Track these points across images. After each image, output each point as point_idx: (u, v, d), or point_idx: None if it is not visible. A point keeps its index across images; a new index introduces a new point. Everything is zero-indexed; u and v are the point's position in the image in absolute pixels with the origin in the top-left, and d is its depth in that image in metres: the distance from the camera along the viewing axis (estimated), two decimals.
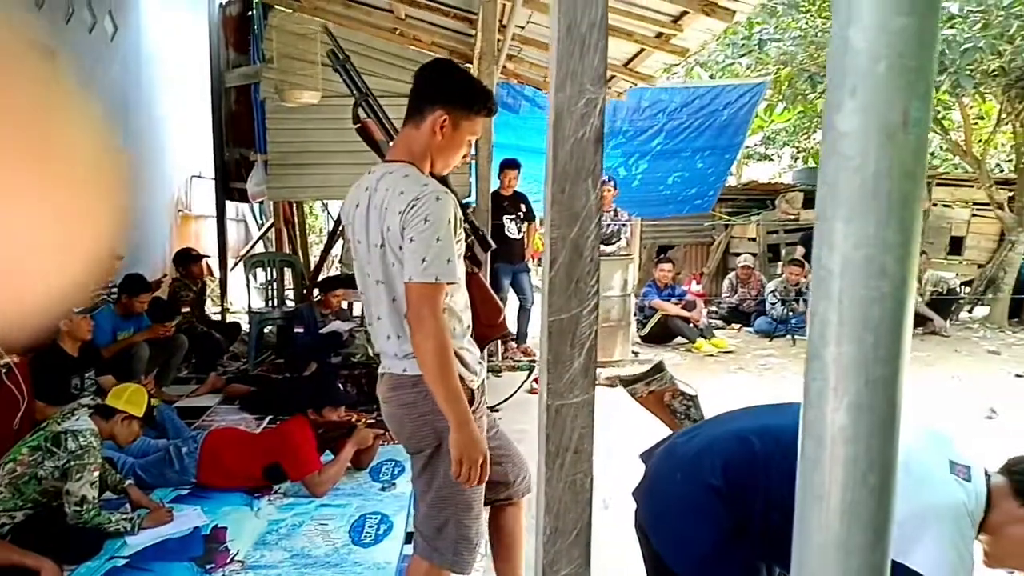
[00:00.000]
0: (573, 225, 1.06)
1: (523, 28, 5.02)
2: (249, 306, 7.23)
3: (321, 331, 5.98)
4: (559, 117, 1.04)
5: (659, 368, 2.19)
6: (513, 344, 6.99)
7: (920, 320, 8.07)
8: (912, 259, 0.50)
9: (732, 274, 9.04)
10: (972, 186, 8.96)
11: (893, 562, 1.25)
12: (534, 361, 6.70)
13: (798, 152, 17.94)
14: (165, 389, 5.25)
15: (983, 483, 1.36)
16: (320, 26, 5.56)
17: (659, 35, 4.12)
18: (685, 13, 3.61)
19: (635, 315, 8.12)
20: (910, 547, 1.24)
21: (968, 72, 6.10)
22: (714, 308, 9.17)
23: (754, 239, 9.74)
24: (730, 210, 10.24)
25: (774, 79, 7.95)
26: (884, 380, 0.51)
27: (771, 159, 20.10)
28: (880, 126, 0.48)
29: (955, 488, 1.32)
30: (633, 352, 7.37)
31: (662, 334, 7.89)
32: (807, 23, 7.49)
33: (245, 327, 7.04)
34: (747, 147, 16.26)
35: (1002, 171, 10.11)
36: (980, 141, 8.49)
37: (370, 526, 3.44)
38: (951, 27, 5.85)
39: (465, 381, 2.00)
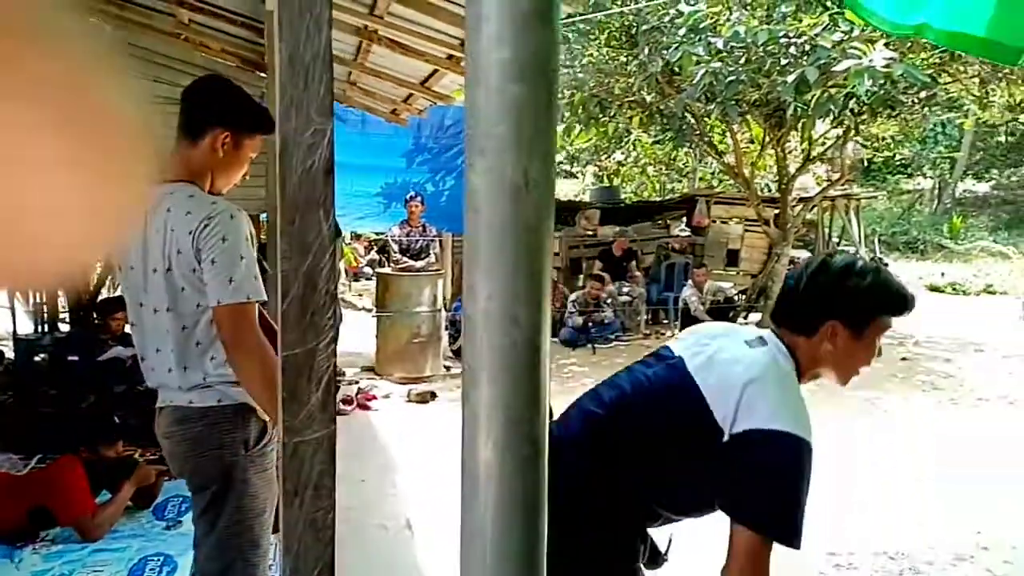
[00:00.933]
0: (305, 257, 1.05)
1: None
2: (14, 331, 6.45)
3: (100, 358, 5.47)
4: (285, 147, 1.02)
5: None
6: None
7: None
8: (543, 307, 0.53)
9: None
10: (745, 204, 9.97)
11: (747, 432, 1.38)
12: (352, 379, 6.56)
13: (599, 171, 19.10)
14: None
15: (777, 341, 1.56)
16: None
17: (450, 56, 4.19)
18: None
19: (447, 329, 8.21)
20: (751, 414, 1.42)
21: (733, 102, 6.82)
22: None
23: (557, 254, 10.19)
24: None
25: (568, 103, 8.39)
26: (525, 420, 0.54)
27: (576, 176, 21.20)
28: (504, 184, 0.51)
29: (760, 355, 1.52)
30: (445, 367, 7.42)
31: None
32: (596, 52, 8.00)
33: (9, 354, 6.28)
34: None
35: (770, 191, 11.35)
36: (750, 164, 9.49)
37: (152, 569, 3.19)
38: (719, 61, 6.51)
39: (256, 412, 1.92)
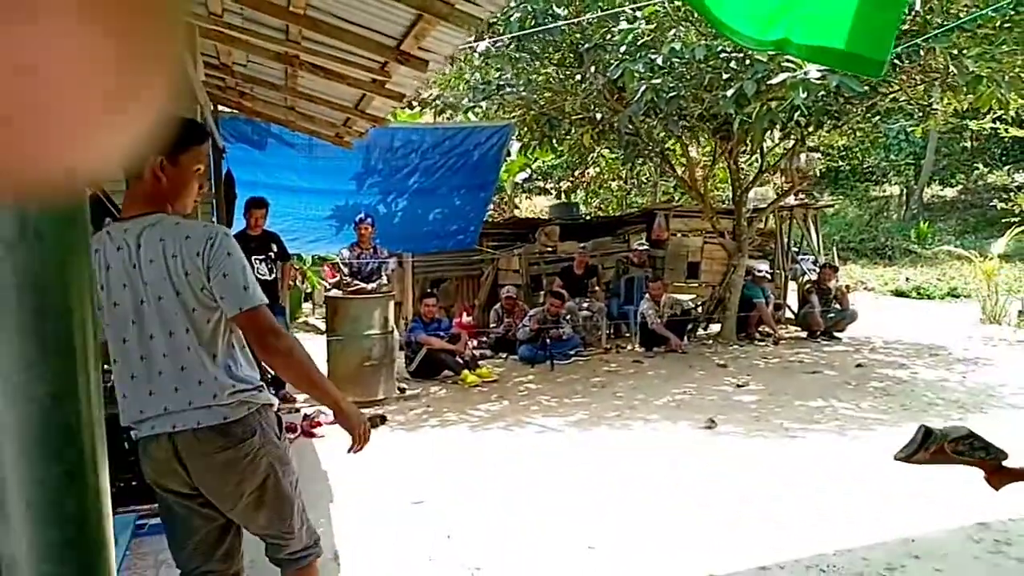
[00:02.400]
0: None
1: (245, 66, 4.90)
2: None
3: None
4: None
5: (928, 433, 2.07)
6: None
7: (660, 340, 8.86)
8: (75, 373, 0.50)
9: (498, 305, 9.37)
10: (701, 216, 10.02)
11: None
12: (296, 407, 6.48)
13: (571, 186, 19.16)
14: None
15: None
16: None
17: (373, 80, 4.19)
18: (387, 62, 3.72)
19: (403, 350, 8.16)
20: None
21: (676, 117, 6.87)
22: (484, 338, 9.46)
23: (518, 271, 10.18)
24: (496, 244, 10.64)
25: (521, 121, 8.43)
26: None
27: (549, 192, 21.27)
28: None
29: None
30: (400, 388, 7.36)
31: (429, 368, 7.97)
32: (546, 70, 8.04)
33: None
34: (518, 183, 17.07)
35: (724, 203, 11.42)
36: (704, 177, 9.56)
37: None
38: (659, 77, 6.56)
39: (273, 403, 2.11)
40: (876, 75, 2.12)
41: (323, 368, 6.94)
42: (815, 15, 2.05)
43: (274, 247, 6.59)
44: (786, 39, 2.07)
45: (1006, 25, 6.43)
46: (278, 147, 7.12)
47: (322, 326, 11.28)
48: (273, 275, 6.58)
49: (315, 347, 7.94)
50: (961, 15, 6.58)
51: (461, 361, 7.92)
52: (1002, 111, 8.18)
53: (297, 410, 6.19)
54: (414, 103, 9.59)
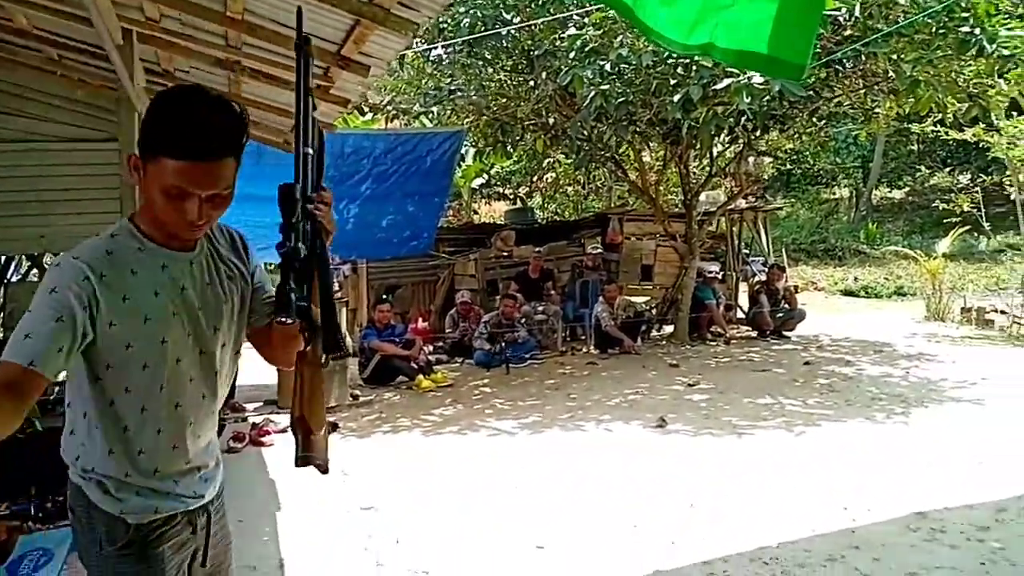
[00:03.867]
0: None
1: (187, 72, 4.83)
2: None
3: None
4: None
5: None
6: None
7: (614, 341, 8.96)
8: None
9: (454, 310, 9.37)
10: (654, 220, 10.16)
11: None
12: (244, 416, 6.40)
13: (528, 191, 19.25)
14: None
15: None
16: None
17: (317, 86, 4.17)
18: (328, 67, 3.71)
19: (356, 356, 8.11)
20: None
21: (624, 122, 6.97)
22: (440, 343, 9.46)
23: (474, 275, 10.19)
24: (452, 249, 10.65)
25: (474, 126, 8.46)
26: None
27: (507, 197, 21.33)
28: None
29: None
30: (352, 395, 7.31)
31: (383, 374, 7.93)
32: (498, 76, 8.08)
33: None
34: (475, 188, 17.10)
35: (676, 207, 11.60)
36: (654, 182, 9.69)
37: None
38: (607, 84, 6.65)
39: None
40: (797, 79, 2.18)
41: (273, 378, 6.87)
42: (737, 20, 2.10)
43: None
44: (711, 43, 2.12)
45: (941, 31, 6.66)
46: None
47: None
48: None
49: None
50: (900, 20, 6.79)
51: (415, 367, 7.90)
52: (941, 114, 8.46)
53: (245, 419, 6.11)
54: (366, 109, 9.54)
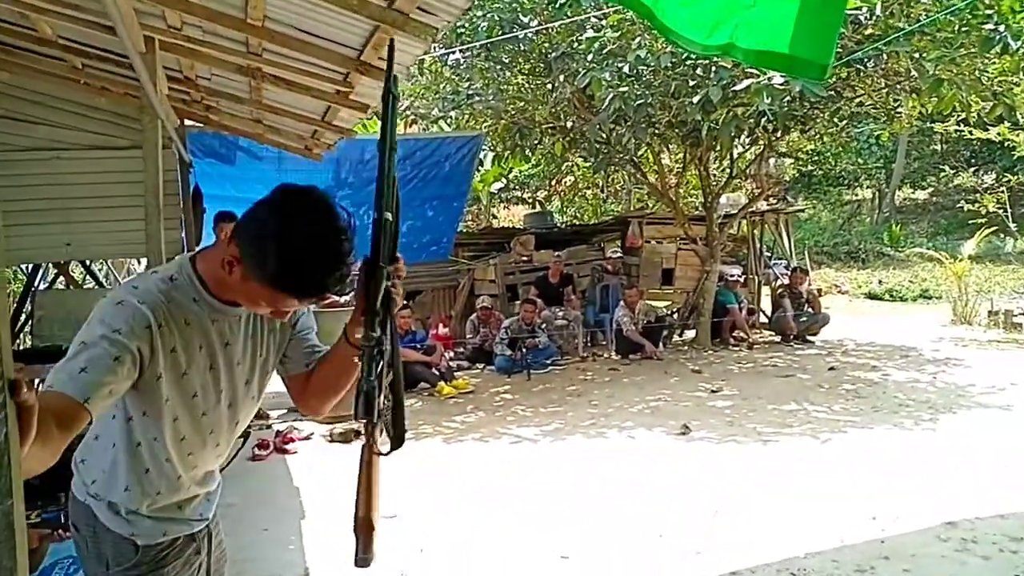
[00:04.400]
0: None
1: (209, 79, 4.86)
2: None
3: None
4: None
5: None
6: None
7: (636, 347, 8.89)
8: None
9: (474, 315, 9.34)
10: (674, 223, 10.08)
11: None
12: (268, 423, 6.41)
13: (547, 195, 19.21)
14: None
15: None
16: None
17: (337, 92, 4.18)
18: (348, 73, 3.71)
19: None
20: None
21: (643, 124, 6.92)
22: (461, 349, 9.43)
23: (494, 280, 10.17)
24: (472, 254, 10.63)
25: (492, 130, 8.45)
26: None
27: (526, 201, 21.30)
28: None
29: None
30: None
31: (405, 381, 7.90)
32: (516, 80, 8.06)
33: None
34: (494, 193, 17.09)
35: (696, 209, 11.50)
36: (675, 184, 9.62)
37: None
38: (627, 85, 6.60)
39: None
40: (820, 78, 2.13)
41: None
42: (758, 20, 2.06)
43: None
44: (731, 43, 2.08)
45: (964, 29, 6.54)
46: (248, 160, 7.07)
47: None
48: None
49: None
50: (921, 19, 6.69)
51: (437, 373, 7.88)
52: (964, 113, 8.32)
53: (270, 426, 6.13)
54: None
